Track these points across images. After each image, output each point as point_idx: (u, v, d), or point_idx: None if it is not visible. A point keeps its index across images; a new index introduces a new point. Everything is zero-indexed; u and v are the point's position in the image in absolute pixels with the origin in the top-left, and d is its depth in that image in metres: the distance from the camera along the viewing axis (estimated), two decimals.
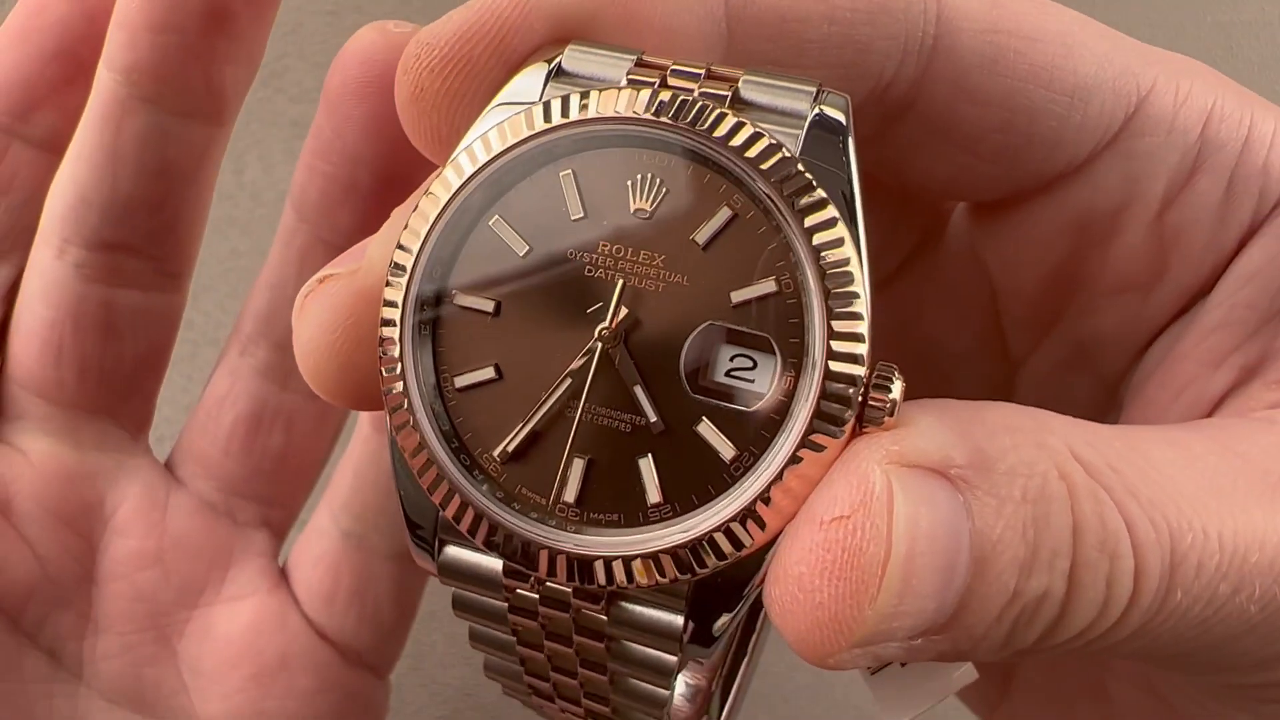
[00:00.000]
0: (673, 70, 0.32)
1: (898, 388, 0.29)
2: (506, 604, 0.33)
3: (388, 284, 0.32)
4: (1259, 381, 0.36)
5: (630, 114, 0.31)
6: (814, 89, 0.31)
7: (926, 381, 0.43)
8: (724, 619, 0.31)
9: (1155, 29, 0.68)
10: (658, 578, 0.30)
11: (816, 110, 0.31)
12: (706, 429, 0.30)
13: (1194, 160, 0.36)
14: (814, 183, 0.30)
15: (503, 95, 0.33)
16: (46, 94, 0.45)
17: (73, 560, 0.46)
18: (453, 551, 0.33)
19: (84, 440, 0.47)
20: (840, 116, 0.31)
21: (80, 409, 0.46)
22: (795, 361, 0.30)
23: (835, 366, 0.29)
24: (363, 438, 0.49)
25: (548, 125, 0.31)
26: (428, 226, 0.32)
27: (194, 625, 0.48)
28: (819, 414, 0.29)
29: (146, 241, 0.46)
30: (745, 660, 0.38)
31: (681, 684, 0.34)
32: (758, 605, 0.31)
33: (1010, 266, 0.40)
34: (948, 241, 0.43)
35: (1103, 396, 0.41)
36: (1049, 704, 0.44)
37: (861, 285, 0.29)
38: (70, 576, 0.46)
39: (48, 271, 0.45)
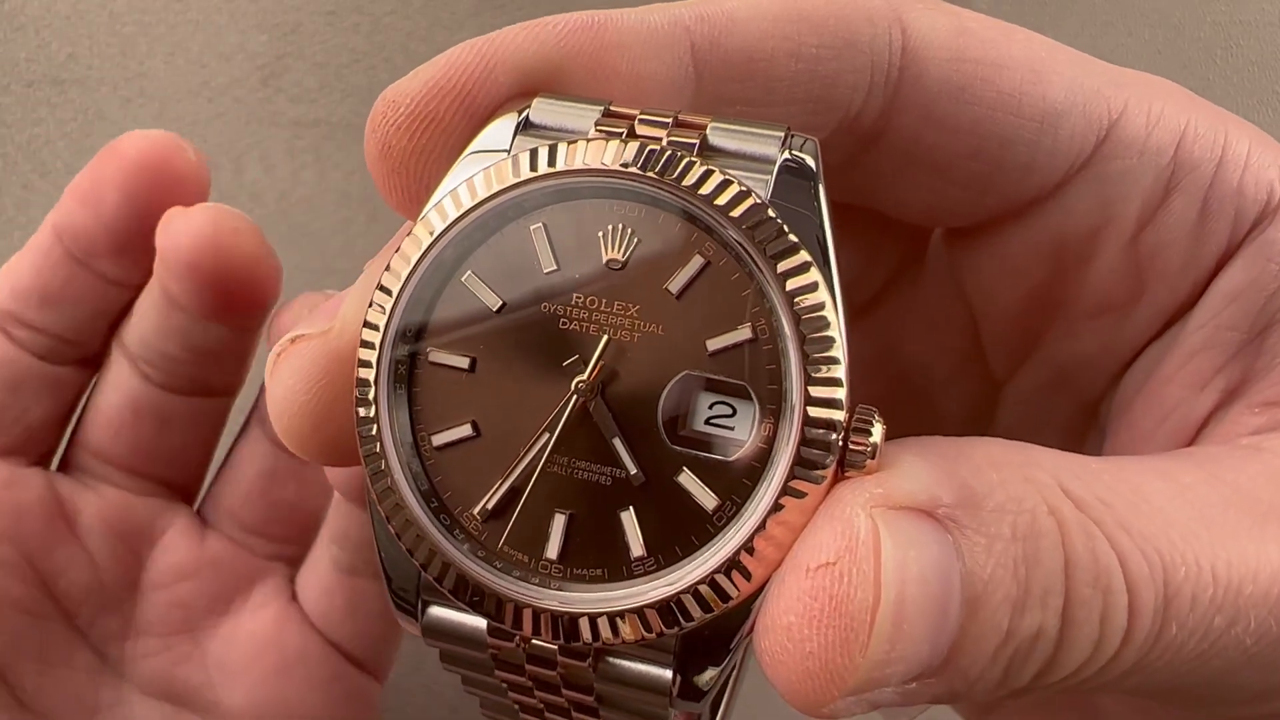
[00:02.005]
0: (640, 119, 0.32)
1: (878, 430, 0.29)
2: (493, 660, 0.33)
3: (362, 343, 0.32)
4: (1241, 403, 0.36)
5: (599, 165, 0.30)
6: (782, 134, 0.31)
7: (909, 405, 0.43)
8: (712, 672, 0.31)
9: (1155, 29, 0.68)
10: (644, 633, 0.30)
11: (785, 155, 0.31)
12: (687, 479, 0.30)
13: (1167, 182, 0.36)
14: (785, 228, 0.29)
15: (475, 144, 0.33)
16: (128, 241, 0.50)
17: (123, 571, 0.53)
18: (436, 611, 0.33)
19: (140, 489, 0.54)
20: (809, 160, 0.31)
21: (135, 474, 0.54)
22: (774, 408, 0.30)
23: (814, 412, 0.29)
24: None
25: (516, 180, 0.31)
26: (400, 284, 0.32)
27: (222, 630, 0.54)
28: (800, 460, 0.29)
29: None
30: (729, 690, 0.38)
31: None
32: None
33: (988, 290, 0.40)
34: (928, 265, 0.43)
35: (1084, 417, 0.41)
36: (1036, 717, 0.44)
37: (837, 330, 0.29)
38: (119, 585, 0.53)
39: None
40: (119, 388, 0.53)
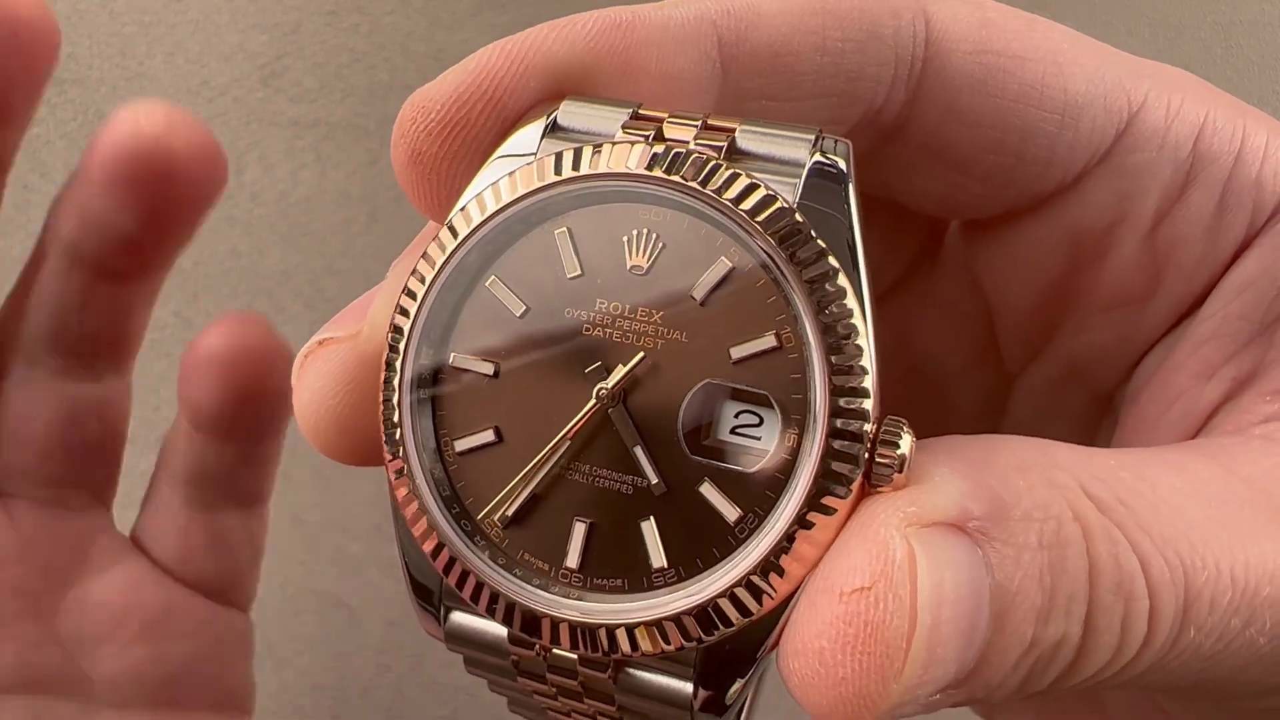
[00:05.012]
0: (668, 121, 0.31)
1: (906, 443, 0.28)
2: (515, 668, 0.33)
3: (388, 347, 0.32)
4: (1252, 393, 0.36)
5: (624, 169, 0.30)
6: (812, 136, 0.31)
7: (922, 396, 0.43)
8: (736, 686, 0.30)
9: (1155, 29, 0.68)
10: (663, 646, 0.30)
11: (815, 157, 0.30)
12: (709, 490, 0.30)
13: (1186, 175, 0.35)
14: (812, 234, 0.29)
15: (503, 148, 0.32)
16: None
17: None
18: (458, 617, 0.33)
19: None
20: (841, 162, 0.30)
21: None
22: (799, 419, 0.29)
23: (839, 423, 0.28)
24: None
25: (541, 184, 0.31)
26: (424, 289, 0.31)
27: (68, 603, 0.52)
28: (825, 473, 0.28)
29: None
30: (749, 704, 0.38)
31: None
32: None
33: (1004, 283, 0.40)
34: (944, 257, 0.43)
35: (1097, 409, 0.41)
36: (1044, 705, 0.44)
37: (865, 339, 0.29)
38: None
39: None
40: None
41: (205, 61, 0.75)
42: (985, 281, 0.41)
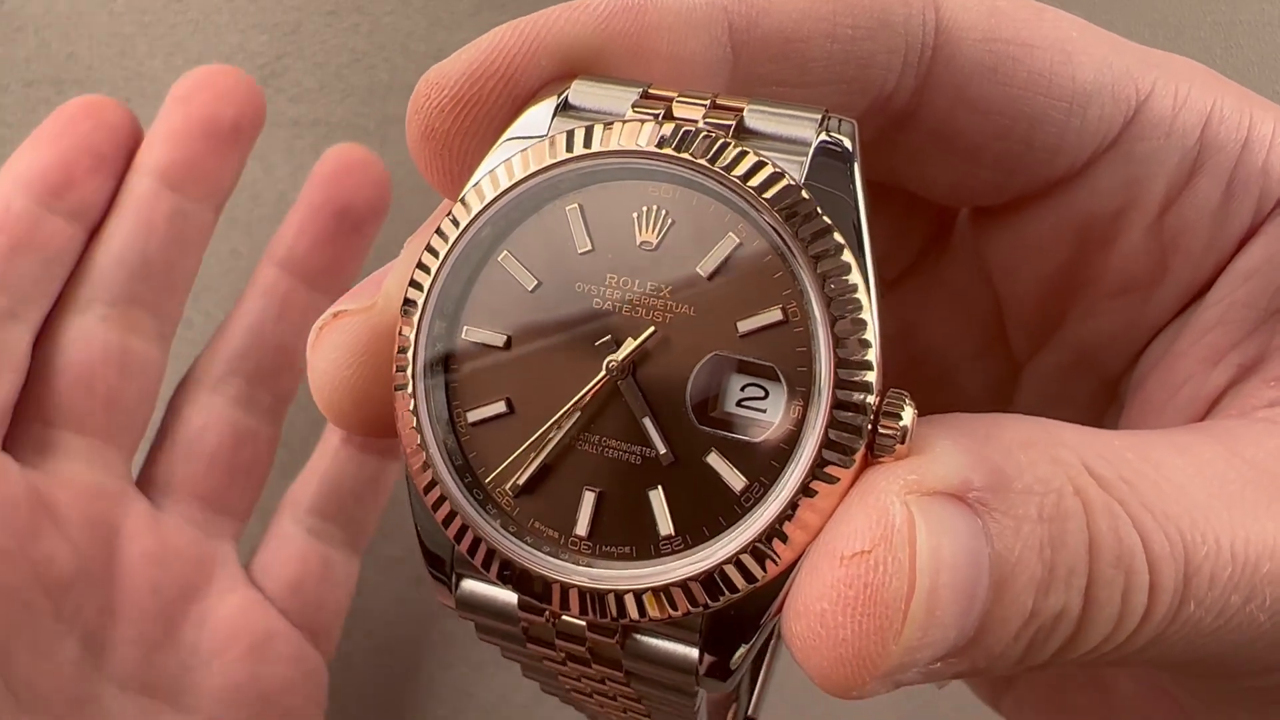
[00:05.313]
0: (678, 101, 0.32)
1: (909, 414, 0.29)
2: (525, 635, 0.33)
3: (402, 320, 0.32)
4: (1257, 378, 0.36)
5: (634, 147, 0.31)
6: (819, 115, 0.31)
7: (931, 381, 0.44)
8: (740, 651, 0.31)
9: (1155, 29, 0.68)
10: (670, 611, 0.30)
11: (822, 136, 0.31)
12: (716, 460, 0.30)
13: (1193, 162, 0.36)
14: (818, 210, 0.30)
15: (514, 129, 0.33)
16: (78, 178, 0.55)
17: (99, 558, 0.54)
18: (469, 585, 0.33)
19: (99, 464, 0.55)
20: (846, 141, 0.31)
21: (97, 438, 0.55)
22: (804, 391, 0.30)
23: (843, 395, 0.29)
24: (330, 451, 0.60)
25: (553, 160, 0.31)
26: (439, 263, 0.32)
27: (193, 615, 0.56)
28: (829, 444, 0.29)
29: (157, 298, 0.56)
30: (762, 672, 0.38)
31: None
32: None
33: (1012, 270, 0.40)
34: (954, 244, 0.43)
35: (1105, 394, 0.41)
36: (1051, 692, 0.44)
37: (869, 313, 0.29)
38: (99, 571, 0.54)
39: (76, 324, 0.55)
40: (78, 342, 0.54)
41: (205, 61, 0.75)
42: (994, 268, 0.41)
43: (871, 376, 0.29)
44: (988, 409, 0.44)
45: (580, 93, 0.33)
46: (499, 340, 0.32)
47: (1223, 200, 0.36)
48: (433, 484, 0.32)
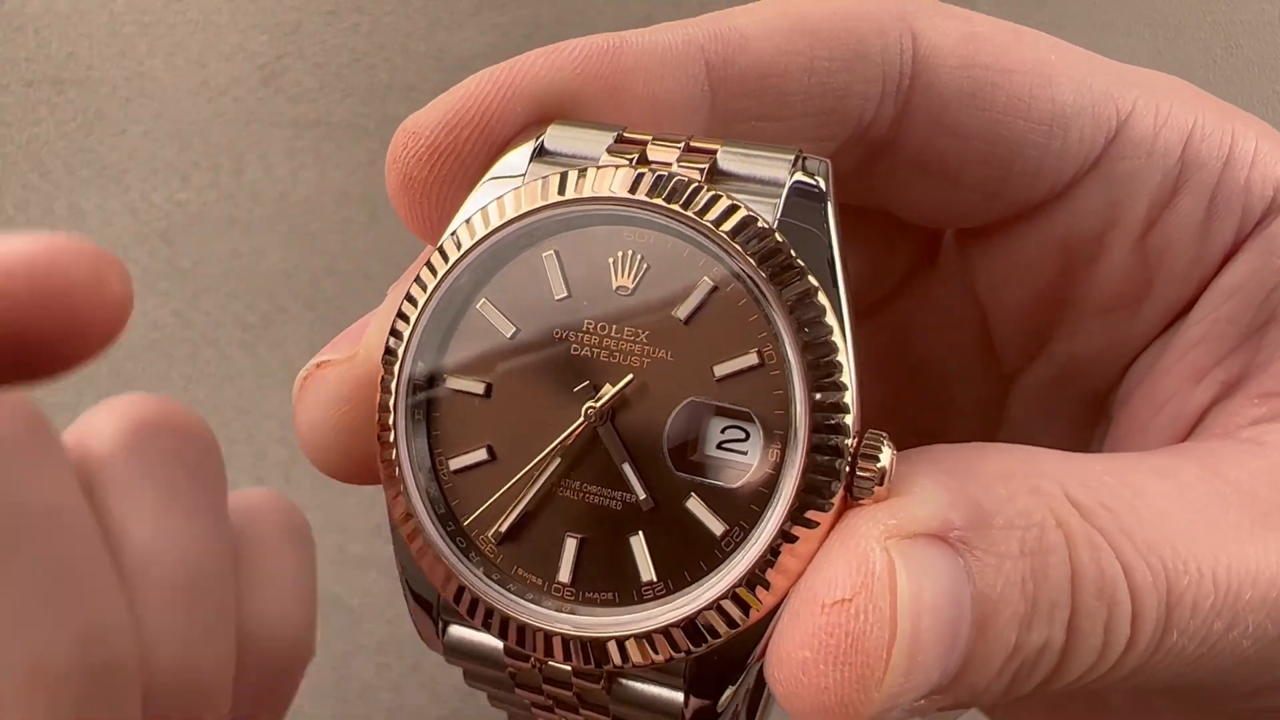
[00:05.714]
0: (652, 144, 0.32)
1: (886, 456, 0.29)
2: (512, 680, 0.34)
3: (383, 369, 0.32)
4: (1241, 395, 0.36)
5: (608, 193, 0.31)
6: (792, 155, 0.31)
7: (922, 399, 0.44)
8: (727, 694, 0.31)
9: (1155, 29, 0.68)
10: (653, 657, 0.30)
11: (795, 176, 0.31)
12: (696, 505, 0.30)
13: (1175, 180, 0.36)
14: (792, 253, 0.30)
15: (493, 171, 0.33)
16: None
17: None
18: (456, 631, 0.34)
19: None
20: (820, 181, 0.31)
21: None
22: (781, 434, 0.30)
23: (819, 439, 0.29)
24: None
25: (529, 208, 0.31)
26: (417, 312, 0.32)
27: None
28: (807, 487, 0.29)
29: None
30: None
31: None
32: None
33: (998, 289, 0.41)
34: (941, 264, 0.43)
35: (1092, 410, 0.41)
36: (1043, 705, 0.44)
37: (845, 355, 0.29)
38: None
39: None
40: None
41: (205, 61, 0.75)
42: (980, 287, 0.41)
43: (849, 419, 0.29)
44: (980, 422, 0.44)
45: (556, 137, 0.33)
46: (479, 388, 0.32)
47: (1205, 218, 0.36)
48: (416, 532, 0.32)
